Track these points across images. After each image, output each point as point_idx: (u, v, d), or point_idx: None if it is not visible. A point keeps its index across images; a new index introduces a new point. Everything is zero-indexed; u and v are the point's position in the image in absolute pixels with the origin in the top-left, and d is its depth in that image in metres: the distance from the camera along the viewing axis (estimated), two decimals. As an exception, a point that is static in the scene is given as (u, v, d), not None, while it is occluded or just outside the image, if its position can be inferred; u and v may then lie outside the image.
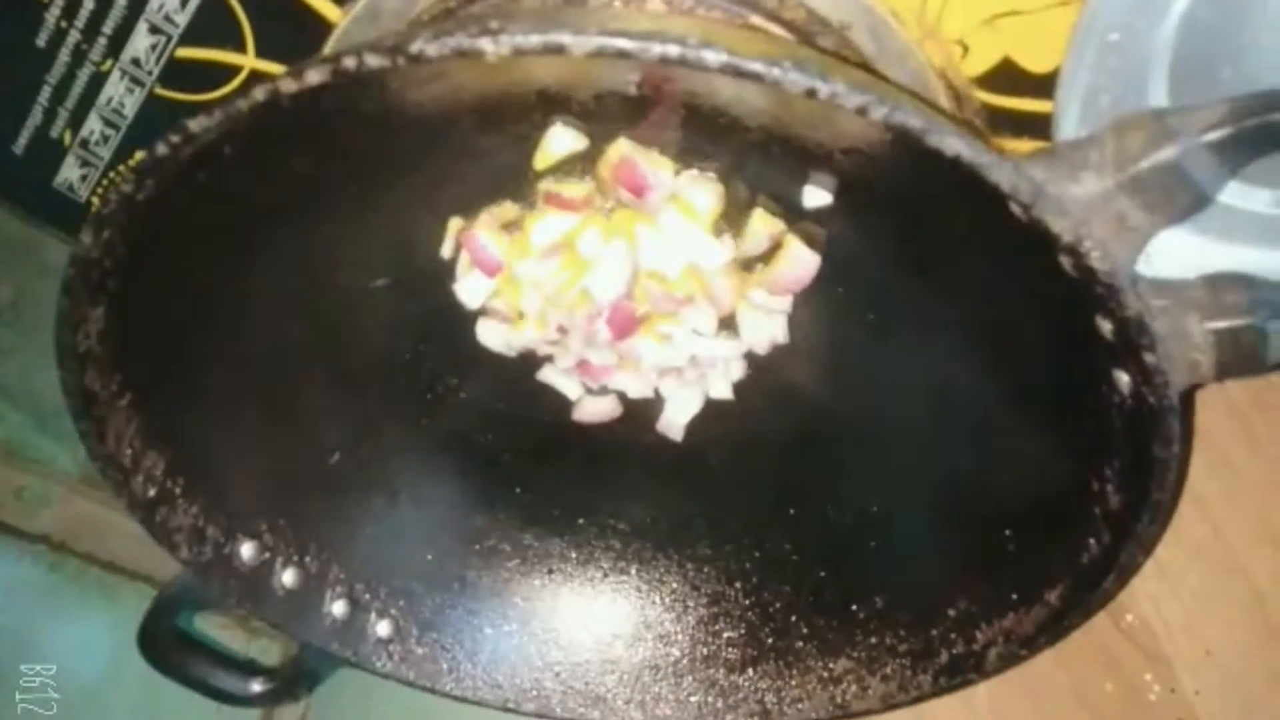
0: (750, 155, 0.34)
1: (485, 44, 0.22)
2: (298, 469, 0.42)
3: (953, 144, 0.22)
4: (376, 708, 0.64)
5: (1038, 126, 0.36)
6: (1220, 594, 0.41)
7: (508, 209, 0.38)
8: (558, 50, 0.22)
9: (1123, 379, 0.28)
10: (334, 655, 0.42)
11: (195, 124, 0.25)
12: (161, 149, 0.25)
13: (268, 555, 0.41)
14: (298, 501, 0.41)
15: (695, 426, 0.42)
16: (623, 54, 0.21)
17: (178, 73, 0.42)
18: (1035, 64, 0.35)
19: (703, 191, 0.35)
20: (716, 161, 0.35)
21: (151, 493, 0.37)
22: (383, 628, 0.43)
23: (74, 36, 0.41)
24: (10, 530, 0.68)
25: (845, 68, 0.27)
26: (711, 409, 0.42)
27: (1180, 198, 0.24)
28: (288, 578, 0.41)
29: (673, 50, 0.21)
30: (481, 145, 0.35)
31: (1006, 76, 0.35)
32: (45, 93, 0.43)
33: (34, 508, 0.68)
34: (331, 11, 0.38)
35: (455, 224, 0.38)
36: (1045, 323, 0.30)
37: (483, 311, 0.40)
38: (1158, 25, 0.30)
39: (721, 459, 0.43)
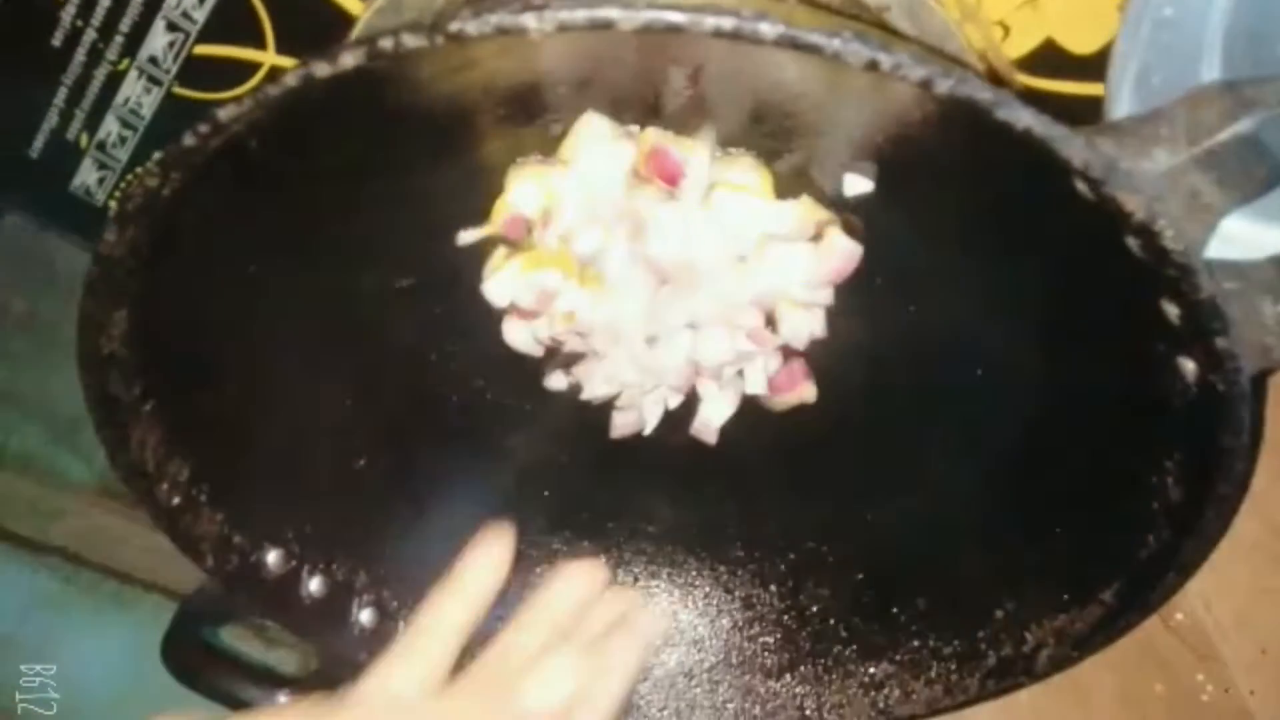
0: (790, 141, 0.33)
1: (529, 20, 0.21)
2: (323, 475, 0.41)
3: (1023, 117, 0.21)
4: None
5: (1082, 110, 0.35)
6: (1274, 590, 0.39)
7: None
8: (605, 26, 0.21)
9: (1188, 366, 0.27)
10: (361, 666, 0.41)
11: (225, 113, 0.24)
12: (189, 140, 0.24)
13: (294, 563, 0.40)
14: (324, 508, 0.40)
15: (727, 424, 0.41)
16: (674, 28, 0.20)
17: (196, 71, 0.41)
18: (1079, 45, 0.34)
19: (746, 170, 0.34)
20: (754, 150, 0.34)
21: (176, 501, 0.36)
22: (410, 636, 0.42)
23: (90, 35, 0.41)
24: (26, 542, 0.67)
25: (902, 41, 0.26)
26: (744, 406, 0.41)
27: (1257, 172, 0.23)
28: (314, 586, 0.40)
29: (727, 23, 0.20)
30: (512, 136, 0.34)
31: (1049, 58, 0.35)
32: (61, 94, 0.42)
33: (49, 520, 0.67)
34: (354, 5, 0.37)
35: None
36: (1103, 309, 0.29)
37: (509, 310, 0.39)
38: (1213, -1, 0.29)
39: (755, 458, 0.42)
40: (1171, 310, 0.25)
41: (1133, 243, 0.24)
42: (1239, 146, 0.23)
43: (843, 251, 0.34)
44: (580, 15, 0.21)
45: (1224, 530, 0.29)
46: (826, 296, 0.37)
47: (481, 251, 0.38)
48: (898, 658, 0.40)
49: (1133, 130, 0.23)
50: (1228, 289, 0.25)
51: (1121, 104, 0.31)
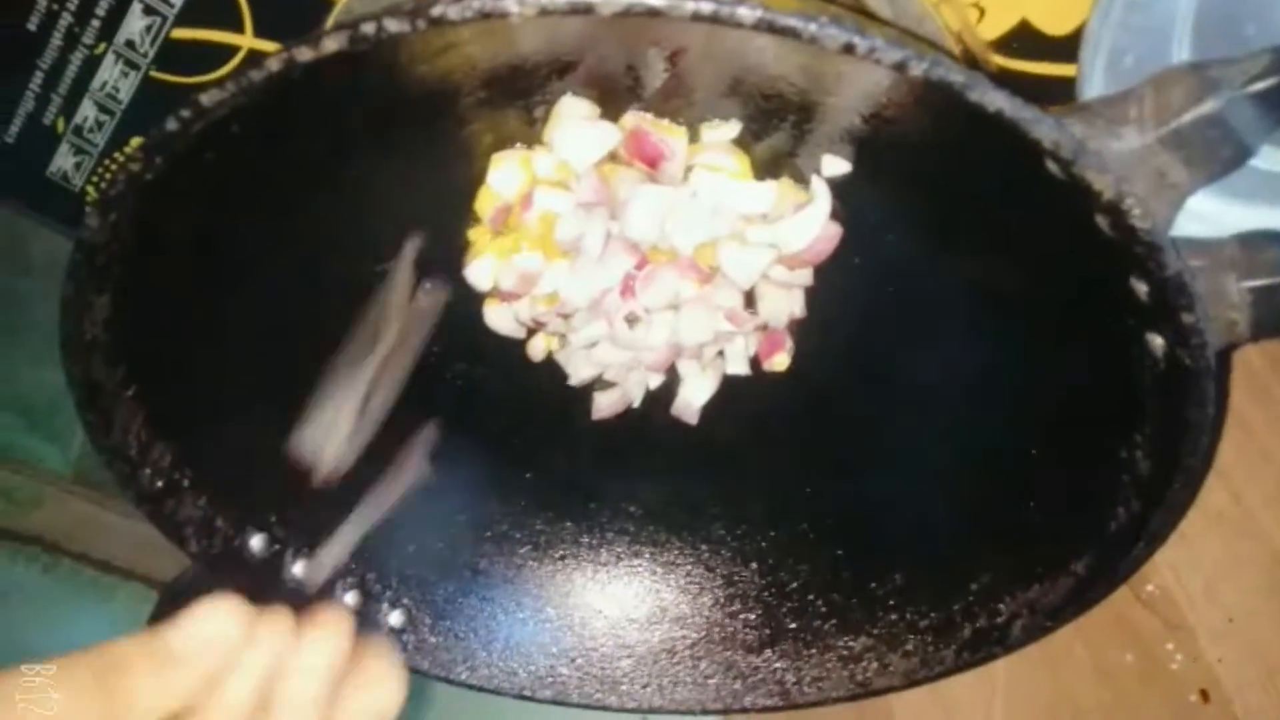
0: (767, 124, 0.33)
1: (510, 4, 0.21)
2: (307, 459, 0.41)
3: (995, 98, 0.21)
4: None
5: (1055, 91, 0.35)
6: (1241, 561, 0.40)
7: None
8: (586, 10, 0.21)
9: (1156, 341, 0.27)
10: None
11: (208, 98, 0.24)
12: (172, 125, 0.25)
13: (278, 547, 0.40)
14: (307, 492, 0.41)
15: (708, 405, 0.42)
16: (653, 12, 0.21)
17: (174, 55, 0.41)
18: (1053, 26, 0.35)
19: (724, 152, 0.35)
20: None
21: (159, 485, 0.36)
22: (395, 618, 0.42)
23: (66, 19, 0.40)
24: (3, 532, 0.67)
25: (878, 25, 0.27)
26: (725, 386, 0.42)
27: (1222, 152, 0.24)
28: (298, 569, 0.40)
29: (705, 7, 0.21)
30: (492, 119, 0.34)
31: (1024, 40, 0.35)
32: (37, 78, 0.42)
33: (26, 509, 0.67)
34: (331, -13, 0.37)
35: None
36: (1073, 286, 0.30)
37: (491, 294, 0.40)
38: (1183, -19, 0.29)
39: (735, 437, 0.43)
40: (1140, 287, 0.26)
41: (1102, 221, 0.24)
42: (1204, 127, 0.23)
43: (822, 232, 0.35)
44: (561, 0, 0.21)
45: (1190, 501, 0.30)
46: (806, 277, 0.37)
47: (463, 234, 0.39)
48: (875, 631, 0.40)
49: (1102, 111, 0.24)
50: (1194, 266, 0.25)
51: (1094, 84, 0.32)
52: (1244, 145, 0.23)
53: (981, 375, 0.36)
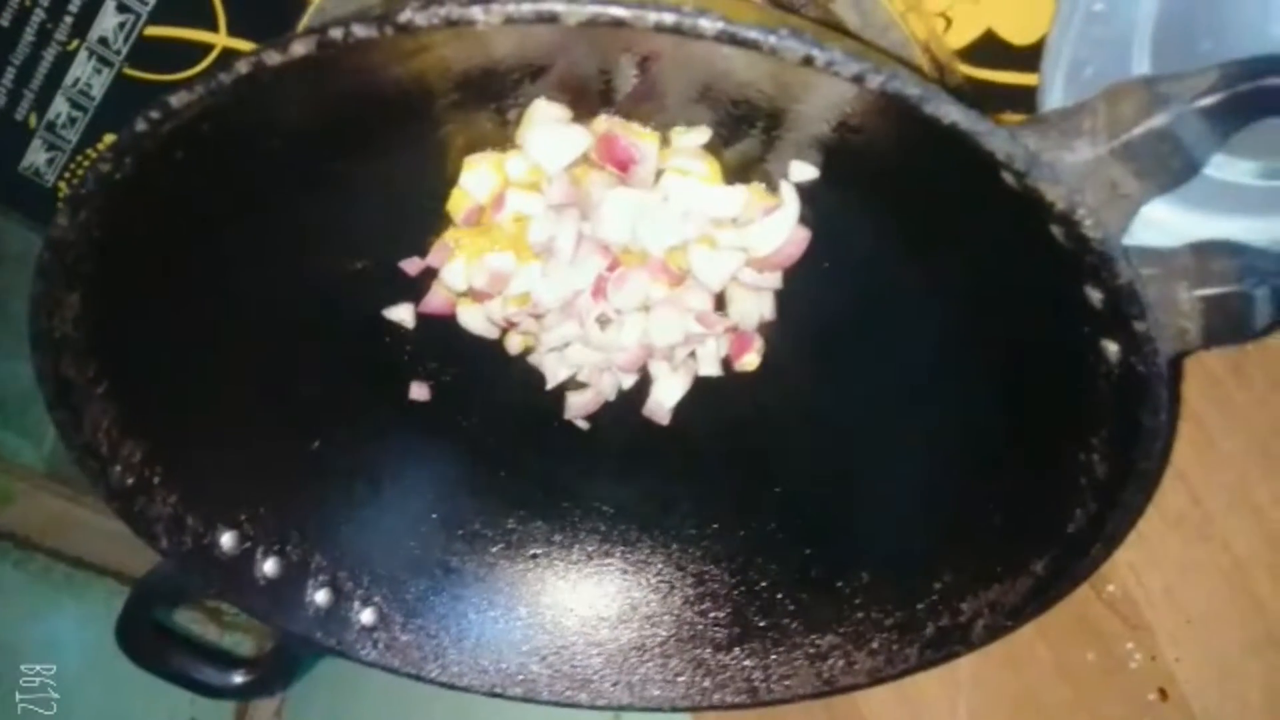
0: (737, 130, 0.34)
1: (476, 13, 0.22)
2: (278, 457, 0.41)
3: (949, 111, 0.22)
4: (352, 700, 0.64)
5: (1020, 99, 0.36)
6: (1200, 563, 0.41)
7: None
8: (551, 19, 0.21)
9: (1111, 348, 0.28)
10: (317, 645, 0.42)
11: (176, 100, 0.24)
12: (141, 126, 0.25)
13: (248, 544, 0.40)
14: (278, 490, 0.41)
15: (680, 405, 0.42)
16: (617, 22, 0.21)
17: (147, 52, 0.41)
18: (1017, 36, 0.35)
19: (694, 157, 0.35)
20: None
21: (129, 482, 0.36)
22: (367, 616, 0.43)
23: (39, 15, 0.40)
24: (-25, 529, 0.66)
25: (839, 37, 0.27)
26: (696, 387, 0.42)
27: (1172, 164, 0.24)
28: (269, 567, 0.41)
29: (668, 18, 0.21)
30: (465, 121, 0.34)
31: (989, 49, 0.36)
32: (9, 74, 0.42)
33: (-1, 504, 0.66)
34: (305, -13, 0.37)
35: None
36: (1031, 294, 0.30)
37: (464, 294, 0.40)
38: (1141, -4, 0.30)
39: (706, 438, 0.43)
40: (1094, 295, 0.26)
41: (1056, 231, 0.25)
42: (1154, 140, 0.24)
43: (791, 236, 0.35)
44: (526, 8, 0.21)
45: (1146, 504, 0.31)
46: (775, 280, 0.38)
47: (436, 234, 0.39)
48: (842, 630, 0.41)
49: (1055, 123, 0.24)
50: (1146, 274, 0.26)
51: (1055, 95, 0.32)
52: (1193, 158, 0.24)
53: (944, 378, 0.37)
